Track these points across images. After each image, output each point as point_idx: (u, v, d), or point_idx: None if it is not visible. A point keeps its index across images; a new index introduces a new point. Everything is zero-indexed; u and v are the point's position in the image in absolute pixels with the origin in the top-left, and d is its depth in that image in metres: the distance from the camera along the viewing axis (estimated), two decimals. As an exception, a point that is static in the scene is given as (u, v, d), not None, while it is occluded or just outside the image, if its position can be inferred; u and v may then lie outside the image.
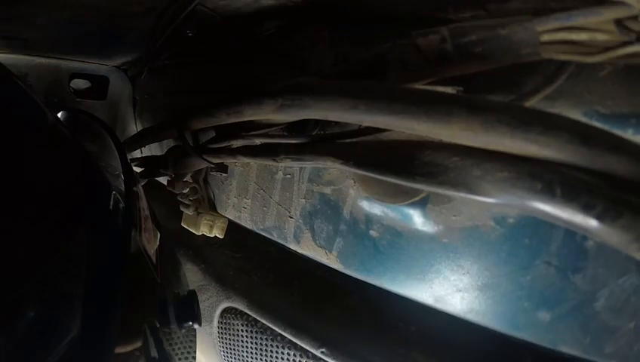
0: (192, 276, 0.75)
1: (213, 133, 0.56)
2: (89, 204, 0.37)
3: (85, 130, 0.56)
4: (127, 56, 0.89)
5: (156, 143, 0.85)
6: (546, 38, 0.31)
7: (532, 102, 0.34)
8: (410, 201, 0.43)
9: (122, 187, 0.43)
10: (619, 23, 0.28)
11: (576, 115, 0.35)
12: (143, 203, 0.46)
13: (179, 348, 0.47)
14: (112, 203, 0.39)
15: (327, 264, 0.55)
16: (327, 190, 0.53)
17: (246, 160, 0.48)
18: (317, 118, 0.34)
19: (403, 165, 0.28)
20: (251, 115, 0.41)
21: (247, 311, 0.63)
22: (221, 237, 0.72)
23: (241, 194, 0.68)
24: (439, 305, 0.45)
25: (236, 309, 0.65)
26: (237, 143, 0.51)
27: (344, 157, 0.34)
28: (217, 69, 0.73)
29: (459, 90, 0.36)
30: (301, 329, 0.55)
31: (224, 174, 0.70)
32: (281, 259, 0.66)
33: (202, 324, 0.50)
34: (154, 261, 0.44)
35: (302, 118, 0.41)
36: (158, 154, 0.79)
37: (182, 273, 0.57)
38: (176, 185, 0.69)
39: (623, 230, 0.21)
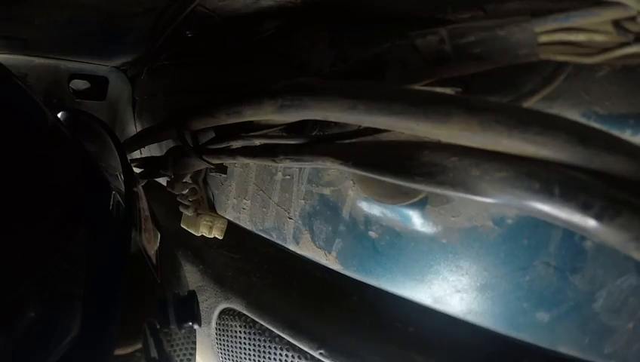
0: (191, 277, 0.75)
1: (212, 134, 0.56)
2: (89, 204, 0.37)
3: (85, 130, 0.56)
4: (127, 57, 0.89)
5: (156, 144, 0.85)
6: (544, 38, 0.31)
7: (530, 103, 0.34)
8: (409, 202, 0.43)
9: (122, 187, 0.43)
10: (617, 23, 0.29)
11: (574, 115, 0.35)
12: (143, 203, 0.46)
13: (179, 349, 0.47)
14: (112, 203, 0.39)
15: (326, 265, 0.55)
16: (327, 191, 0.53)
17: (245, 160, 0.48)
18: (316, 118, 0.34)
19: (402, 165, 0.28)
20: (251, 115, 0.41)
21: (245, 312, 0.63)
22: (220, 238, 0.72)
23: (240, 195, 0.68)
24: (438, 306, 0.45)
25: (234, 310, 0.65)
26: (236, 144, 0.52)
27: (343, 157, 0.34)
28: (217, 69, 0.73)
29: (457, 91, 0.37)
30: (300, 330, 0.55)
31: (223, 175, 0.70)
32: (280, 259, 0.66)
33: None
34: (154, 261, 0.44)
35: (301, 119, 0.41)
36: (158, 154, 0.80)
37: (182, 273, 0.57)
38: (175, 186, 0.69)
39: (621, 229, 0.21)
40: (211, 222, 0.71)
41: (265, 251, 0.69)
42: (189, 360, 0.48)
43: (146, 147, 0.89)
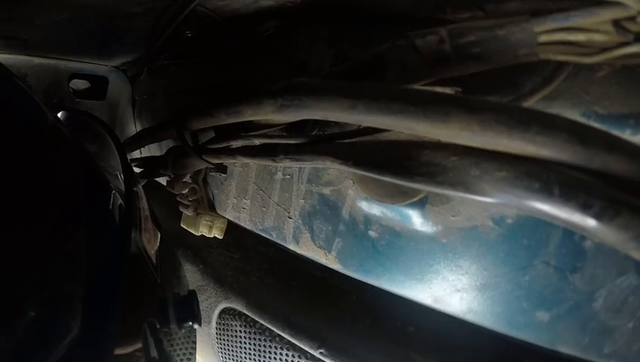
0: (191, 276, 0.75)
1: (212, 134, 0.56)
2: (89, 204, 0.37)
3: (85, 130, 0.56)
4: (127, 57, 0.89)
5: (156, 144, 0.85)
6: (543, 38, 0.31)
7: (530, 103, 0.34)
8: (409, 202, 0.43)
9: (122, 187, 0.43)
10: (616, 23, 0.29)
11: (574, 115, 0.35)
12: (144, 203, 0.46)
13: (179, 348, 0.47)
14: (112, 203, 0.39)
15: (326, 264, 0.55)
16: (326, 190, 0.53)
17: (245, 160, 0.48)
18: (316, 118, 0.34)
19: (402, 165, 0.28)
20: (251, 115, 0.41)
21: (245, 311, 0.63)
22: (220, 237, 0.72)
23: (240, 195, 0.68)
24: (438, 306, 0.45)
25: (235, 310, 0.65)
26: (236, 144, 0.52)
27: (343, 157, 0.34)
28: (217, 69, 0.73)
29: (457, 91, 0.37)
30: (300, 330, 0.55)
31: (223, 175, 0.70)
32: (280, 259, 0.66)
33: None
34: (154, 261, 0.44)
35: (301, 119, 0.41)
36: (158, 154, 0.80)
37: (182, 273, 0.57)
38: (175, 186, 0.69)
39: (621, 229, 0.21)
40: (211, 221, 0.71)
41: (265, 251, 0.69)
42: (189, 359, 0.48)
43: (146, 147, 0.89)
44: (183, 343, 0.47)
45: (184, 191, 0.71)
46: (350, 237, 0.51)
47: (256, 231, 0.66)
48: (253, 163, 0.60)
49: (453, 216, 0.42)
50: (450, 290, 0.43)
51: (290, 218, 0.59)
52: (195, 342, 0.50)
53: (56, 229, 0.33)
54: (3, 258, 0.28)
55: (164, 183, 0.72)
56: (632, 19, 0.28)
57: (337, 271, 0.54)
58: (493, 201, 0.25)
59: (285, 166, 0.58)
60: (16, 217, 0.30)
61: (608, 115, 0.34)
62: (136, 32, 0.68)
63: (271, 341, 0.58)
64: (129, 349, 0.35)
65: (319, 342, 0.53)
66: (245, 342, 0.62)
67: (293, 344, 0.55)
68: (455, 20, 0.39)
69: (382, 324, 0.51)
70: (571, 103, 0.35)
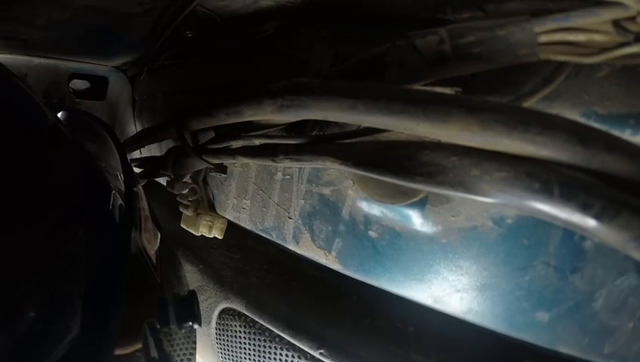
0: (191, 277, 0.75)
1: (212, 134, 0.56)
2: (89, 204, 0.37)
3: (85, 130, 0.56)
4: (127, 57, 0.89)
5: (156, 144, 0.85)
6: (543, 39, 0.31)
7: (530, 103, 0.34)
8: (409, 202, 0.43)
9: (122, 187, 0.43)
10: (616, 23, 0.29)
11: (574, 115, 0.35)
12: (144, 203, 0.46)
13: (179, 349, 0.47)
14: (112, 203, 0.39)
15: (326, 264, 0.55)
16: (326, 191, 0.53)
17: (245, 160, 0.48)
18: (316, 118, 0.34)
19: (402, 165, 0.28)
20: (251, 115, 0.41)
21: (245, 311, 0.63)
22: (220, 237, 0.72)
23: (240, 195, 0.68)
24: (438, 306, 0.45)
25: (234, 310, 0.65)
26: (236, 144, 0.52)
27: (343, 157, 0.34)
28: (217, 69, 0.73)
29: (457, 91, 0.37)
30: (299, 330, 0.55)
31: (223, 175, 0.70)
32: (279, 259, 0.66)
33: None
34: (154, 261, 0.44)
35: (301, 119, 0.41)
36: (158, 154, 0.80)
37: (182, 273, 0.57)
38: (175, 186, 0.69)
39: (621, 229, 0.21)
40: (211, 221, 0.71)
41: (265, 251, 0.69)
42: (189, 360, 0.48)
43: (146, 147, 0.89)
44: (183, 343, 0.47)
45: (184, 192, 0.71)
46: (350, 238, 0.51)
47: (256, 232, 0.66)
48: (253, 163, 0.60)
49: (453, 216, 0.42)
50: (450, 290, 0.43)
51: (290, 218, 0.59)
52: (195, 342, 0.50)
53: (56, 229, 0.33)
54: (3, 258, 0.28)
55: (164, 183, 0.72)
56: (632, 19, 0.28)
57: (337, 272, 0.54)
58: (493, 201, 0.25)
59: (285, 166, 0.58)
60: (16, 217, 0.30)
61: (608, 115, 0.34)
62: (136, 32, 0.68)
63: (271, 341, 0.58)
64: (129, 349, 0.35)
65: (319, 342, 0.53)
66: (245, 342, 0.62)
67: (293, 344, 0.55)
68: (455, 20, 0.39)
69: (382, 324, 0.51)
70: (571, 103, 0.35)
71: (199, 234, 0.71)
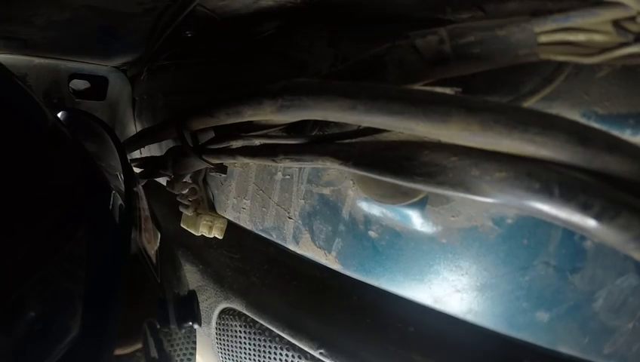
0: (191, 277, 0.75)
1: (212, 134, 0.56)
2: (89, 204, 0.37)
3: (85, 130, 0.56)
4: (127, 57, 0.89)
5: (156, 144, 0.85)
6: (543, 39, 0.31)
7: (530, 103, 0.34)
8: (409, 202, 0.43)
9: (122, 187, 0.43)
10: (616, 23, 0.29)
11: (574, 115, 0.35)
12: (144, 203, 0.46)
13: (179, 348, 0.47)
14: (112, 203, 0.39)
15: (326, 264, 0.55)
16: (326, 191, 0.53)
17: (245, 160, 0.48)
18: (316, 118, 0.34)
19: (402, 165, 0.28)
20: (251, 115, 0.41)
21: (245, 311, 0.63)
22: (220, 237, 0.72)
23: (240, 195, 0.68)
24: (438, 306, 0.45)
25: (234, 310, 0.65)
26: (236, 144, 0.52)
27: (343, 157, 0.34)
28: (216, 69, 0.73)
29: (457, 91, 0.37)
30: (300, 330, 0.55)
31: (223, 175, 0.70)
32: (279, 259, 0.66)
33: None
34: (154, 261, 0.44)
35: (301, 119, 0.41)
36: (158, 154, 0.80)
37: (182, 273, 0.57)
38: (175, 186, 0.69)
39: (621, 229, 0.21)
40: (211, 221, 0.71)
41: (265, 251, 0.69)
42: (189, 359, 0.48)
43: (146, 147, 0.89)
44: (183, 343, 0.47)
45: (184, 192, 0.71)
46: (350, 238, 0.51)
47: (256, 232, 0.66)
48: (253, 163, 0.60)
49: (453, 216, 0.42)
50: (450, 291, 0.43)
51: (290, 218, 0.59)
52: (195, 342, 0.50)
53: (56, 229, 0.33)
54: (3, 258, 0.28)
55: (164, 183, 0.72)
56: (632, 19, 0.28)
57: (337, 272, 0.54)
58: (493, 202, 0.25)
59: (285, 166, 0.58)
60: (16, 217, 0.30)
61: (608, 115, 0.34)
62: (136, 32, 0.68)
63: (271, 341, 0.58)
64: (129, 349, 0.35)
65: (319, 342, 0.53)
66: (245, 342, 0.62)
67: (293, 344, 0.55)
68: (455, 20, 0.39)
69: (382, 324, 0.51)
70: (571, 103, 0.35)
71: (199, 234, 0.71)
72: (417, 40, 0.35)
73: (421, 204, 0.44)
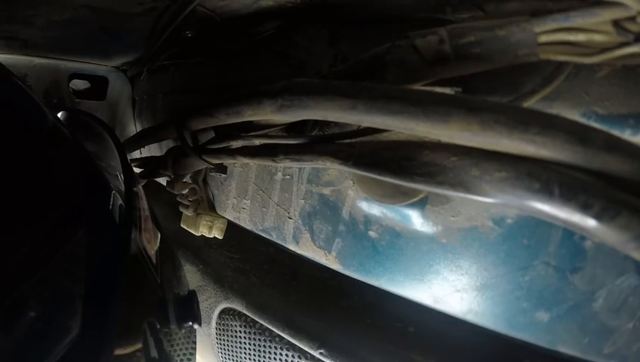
0: (191, 277, 0.75)
1: (212, 134, 0.56)
2: (89, 204, 0.37)
3: (85, 130, 0.56)
4: (127, 57, 0.89)
5: (156, 144, 0.85)
6: (544, 39, 0.31)
7: (530, 103, 0.34)
8: (409, 202, 0.43)
9: (122, 187, 0.43)
10: (616, 23, 0.29)
11: (574, 115, 0.35)
12: (144, 203, 0.46)
13: (179, 349, 0.47)
14: (112, 203, 0.39)
15: (326, 264, 0.55)
16: (327, 191, 0.53)
17: (245, 160, 0.48)
18: (316, 118, 0.34)
19: (402, 165, 0.28)
20: (251, 115, 0.41)
21: (245, 311, 0.63)
22: (220, 237, 0.72)
23: (240, 195, 0.68)
24: (438, 306, 0.45)
25: (234, 310, 0.65)
26: (236, 144, 0.52)
27: (343, 157, 0.34)
28: (216, 69, 0.73)
29: (457, 91, 0.37)
30: (300, 330, 0.55)
31: (223, 175, 0.70)
32: (279, 259, 0.66)
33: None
34: (154, 261, 0.44)
35: (301, 119, 0.41)
36: (158, 154, 0.80)
37: (182, 273, 0.57)
38: (175, 186, 0.69)
39: (621, 229, 0.21)
40: (211, 221, 0.71)
41: (265, 251, 0.69)
42: (189, 360, 0.48)
43: (146, 147, 0.89)
44: (183, 343, 0.47)
45: (184, 192, 0.71)
46: (350, 238, 0.51)
47: (256, 232, 0.66)
48: (253, 163, 0.60)
49: (453, 216, 0.42)
50: (451, 290, 0.43)
51: (290, 218, 0.59)
52: (195, 342, 0.50)
53: (56, 229, 0.33)
54: (3, 258, 0.28)
55: (164, 183, 0.72)
56: (632, 19, 0.28)
57: (337, 271, 0.54)
58: (494, 202, 0.25)
59: (285, 166, 0.58)
60: (16, 217, 0.30)
61: (608, 115, 0.34)
62: (136, 32, 0.68)
63: (271, 341, 0.58)
64: (129, 349, 0.35)
65: (319, 342, 0.53)
66: (245, 342, 0.62)
67: (293, 344, 0.55)
68: (455, 20, 0.39)
69: (382, 324, 0.51)
70: (571, 103, 0.35)
71: (199, 234, 0.71)
72: (417, 40, 0.35)
73: (421, 204, 0.44)
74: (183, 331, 0.46)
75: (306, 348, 0.54)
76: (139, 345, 0.36)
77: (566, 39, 0.31)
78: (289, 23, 0.57)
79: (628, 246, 0.21)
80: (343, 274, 0.53)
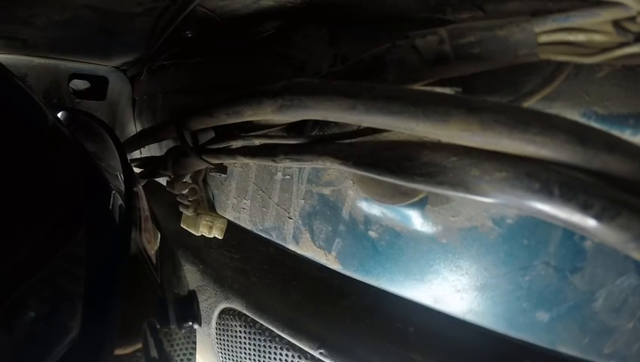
0: (191, 277, 0.75)
1: (212, 134, 0.56)
2: (89, 204, 0.37)
3: (85, 130, 0.56)
4: (127, 57, 0.89)
5: (156, 144, 0.85)
6: (544, 39, 0.31)
7: (530, 103, 0.34)
8: (409, 202, 0.43)
9: (122, 187, 0.43)
10: (616, 24, 0.29)
11: (574, 115, 0.35)
12: (144, 203, 0.46)
13: (179, 349, 0.47)
14: (112, 203, 0.39)
15: (326, 264, 0.55)
16: (327, 191, 0.53)
17: (245, 160, 0.48)
18: (316, 118, 0.34)
19: (401, 165, 0.28)
20: (250, 115, 0.41)
21: (245, 311, 0.63)
22: (220, 237, 0.72)
23: (240, 195, 0.68)
24: (438, 306, 0.45)
25: (234, 310, 0.65)
26: (236, 144, 0.52)
27: (343, 157, 0.34)
28: (216, 69, 0.73)
29: (457, 91, 0.37)
30: (299, 330, 0.55)
31: (223, 175, 0.70)
32: (279, 259, 0.66)
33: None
34: (154, 261, 0.44)
35: (301, 119, 0.41)
36: (158, 154, 0.80)
37: (182, 273, 0.57)
38: (175, 186, 0.69)
39: (621, 229, 0.21)
40: (211, 222, 0.71)
41: (265, 251, 0.69)
42: (189, 360, 0.48)
43: (146, 147, 0.89)
44: (183, 343, 0.47)
45: (184, 192, 0.71)
46: (350, 238, 0.51)
47: (256, 232, 0.66)
48: (253, 163, 0.60)
49: (453, 216, 0.42)
50: (451, 291, 0.43)
51: (290, 218, 0.59)
52: (195, 342, 0.50)
53: (56, 229, 0.33)
54: (3, 258, 0.28)
55: (164, 183, 0.72)
56: (632, 19, 0.28)
57: (337, 271, 0.54)
58: (494, 202, 0.25)
59: (285, 166, 0.58)
60: (16, 217, 0.30)
61: (608, 115, 0.34)
62: (136, 32, 0.68)
63: (271, 341, 0.58)
64: (129, 349, 0.35)
65: (319, 342, 0.53)
66: (245, 342, 0.62)
67: (293, 344, 0.55)
68: (455, 20, 0.39)
69: (382, 324, 0.51)
70: (571, 103, 0.35)
71: (199, 234, 0.71)
72: (417, 40, 0.35)
73: (421, 204, 0.44)
74: (183, 331, 0.46)
75: (306, 348, 0.54)
76: (139, 345, 0.36)
77: (566, 39, 0.31)
78: (289, 23, 0.57)
79: (628, 246, 0.21)
80: (343, 274, 0.53)
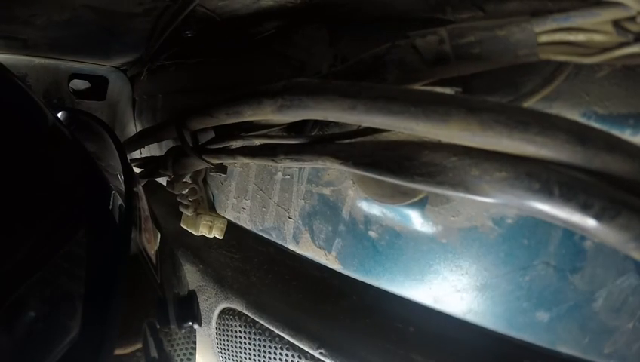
0: (191, 277, 0.75)
1: (212, 134, 0.56)
2: (89, 204, 0.37)
3: (85, 130, 0.56)
4: (127, 57, 0.89)
5: (156, 144, 0.85)
6: (544, 39, 0.31)
7: (530, 103, 0.34)
8: (408, 202, 0.43)
9: (122, 187, 0.43)
10: (616, 23, 0.29)
11: (574, 115, 0.35)
12: (144, 203, 0.46)
13: (179, 349, 0.47)
14: (112, 203, 0.39)
15: (326, 264, 0.55)
16: (327, 191, 0.53)
17: (245, 160, 0.48)
18: (316, 118, 0.34)
19: (401, 165, 0.28)
20: (250, 115, 0.41)
21: (245, 311, 0.63)
22: (220, 237, 0.72)
23: (240, 195, 0.68)
24: (438, 306, 0.45)
25: (234, 310, 0.65)
26: (236, 144, 0.52)
27: (343, 157, 0.34)
28: (216, 69, 0.73)
29: (457, 91, 0.37)
30: (300, 330, 0.55)
31: (223, 175, 0.70)
32: (279, 259, 0.66)
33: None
34: (154, 261, 0.44)
35: (301, 119, 0.41)
36: (158, 154, 0.80)
37: (182, 273, 0.57)
38: (175, 186, 0.69)
39: (621, 229, 0.21)
40: (211, 222, 0.71)
41: (265, 251, 0.69)
42: (189, 360, 0.48)
43: (146, 147, 0.89)
44: (183, 343, 0.47)
45: (184, 192, 0.71)
46: (350, 238, 0.51)
47: (256, 232, 0.66)
48: (253, 163, 0.60)
49: (453, 216, 0.42)
50: (451, 290, 0.43)
51: (290, 218, 0.59)
52: (195, 342, 0.50)
53: (56, 229, 0.33)
54: (3, 258, 0.28)
55: (164, 183, 0.72)
56: (632, 19, 0.28)
57: (337, 271, 0.54)
58: (494, 202, 0.25)
59: (285, 166, 0.58)
60: (16, 217, 0.30)
61: (608, 115, 0.34)
62: (136, 32, 0.68)
63: (271, 341, 0.58)
64: (129, 349, 0.35)
65: (319, 342, 0.53)
66: (245, 342, 0.62)
67: (293, 344, 0.55)
68: (455, 20, 0.39)
69: (382, 324, 0.51)
70: (571, 103, 0.35)
71: (199, 234, 0.71)
72: (417, 40, 0.35)
73: (421, 204, 0.44)
74: (183, 331, 0.46)
75: (306, 348, 0.54)
76: (139, 345, 0.36)
77: (566, 39, 0.31)
78: (289, 22, 0.57)
79: (628, 246, 0.21)
80: (343, 274, 0.53)
